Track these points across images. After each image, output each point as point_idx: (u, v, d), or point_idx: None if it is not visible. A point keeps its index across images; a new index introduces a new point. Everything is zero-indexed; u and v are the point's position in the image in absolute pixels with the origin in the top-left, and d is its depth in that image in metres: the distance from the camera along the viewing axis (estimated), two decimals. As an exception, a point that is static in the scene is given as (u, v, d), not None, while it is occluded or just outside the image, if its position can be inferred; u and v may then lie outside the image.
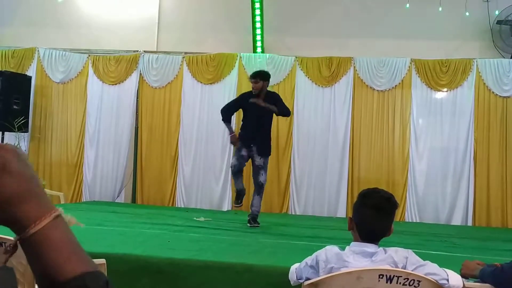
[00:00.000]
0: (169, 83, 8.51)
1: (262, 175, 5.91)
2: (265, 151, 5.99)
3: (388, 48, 8.10)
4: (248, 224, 5.92)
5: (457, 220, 7.71)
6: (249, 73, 8.16)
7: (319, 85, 8.17)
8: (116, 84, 8.59)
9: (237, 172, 6.00)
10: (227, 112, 6.23)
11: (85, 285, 0.83)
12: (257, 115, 5.92)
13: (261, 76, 6.01)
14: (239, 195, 6.07)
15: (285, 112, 6.08)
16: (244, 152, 5.94)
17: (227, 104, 6.38)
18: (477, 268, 2.52)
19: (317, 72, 8.16)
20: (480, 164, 7.74)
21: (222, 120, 6.26)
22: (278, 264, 3.52)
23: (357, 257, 2.24)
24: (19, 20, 9.02)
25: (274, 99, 6.07)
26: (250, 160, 6.03)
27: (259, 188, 5.96)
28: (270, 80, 6.31)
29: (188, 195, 8.35)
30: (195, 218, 6.41)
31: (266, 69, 8.02)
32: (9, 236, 2.35)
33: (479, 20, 7.94)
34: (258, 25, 8.17)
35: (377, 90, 8.08)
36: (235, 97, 8.19)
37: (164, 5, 8.83)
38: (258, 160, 5.90)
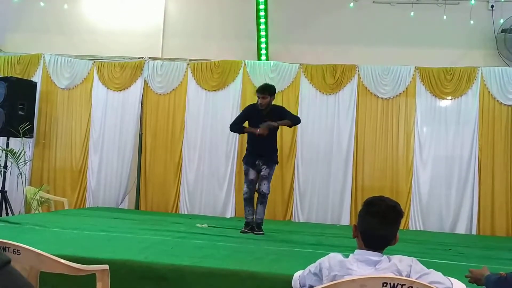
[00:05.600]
0: (173, 89, 8.54)
1: (265, 185, 5.89)
2: (272, 161, 6.00)
3: (392, 56, 8.11)
4: (253, 232, 5.89)
5: (461, 229, 7.68)
6: (254, 80, 8.22)
7: (323, 93, 8.17)
8: (120, 90, 8.62)
9: (249, 199, 5.97)
10: (236, 127, 6.12)
11: None
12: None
13: (269, 91, 5.92)
14: (247, 224, 5.99)
15: (297, 120, 6.10)
16: (252, 176, 5.93)
17: (234, 121, 6.19)
18: (485, 274, 2.52)
19: (321, 79, 8.17)
20: (485, 172, 7.72)
21: (234, 132, 6.36)
22: (281, 271, 3.51)
23: (361, 265, 2.23)
24: (25, 27, 9.08)
25: (280, 112, 6.02)
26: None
27: (262, 197, 5.94)
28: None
29: (191, 202, 8.35)
30: (197, 225, 6.41)
31: (270, 77, 8.08)
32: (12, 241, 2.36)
33: (484, 28, 7.96)
34: (263, 31, 8.19)
35: (381, 98, 8.08)
36: (239, 105, 8.25)
37: (169, 12, 8.88)
38: (264, 171, 5.91)
